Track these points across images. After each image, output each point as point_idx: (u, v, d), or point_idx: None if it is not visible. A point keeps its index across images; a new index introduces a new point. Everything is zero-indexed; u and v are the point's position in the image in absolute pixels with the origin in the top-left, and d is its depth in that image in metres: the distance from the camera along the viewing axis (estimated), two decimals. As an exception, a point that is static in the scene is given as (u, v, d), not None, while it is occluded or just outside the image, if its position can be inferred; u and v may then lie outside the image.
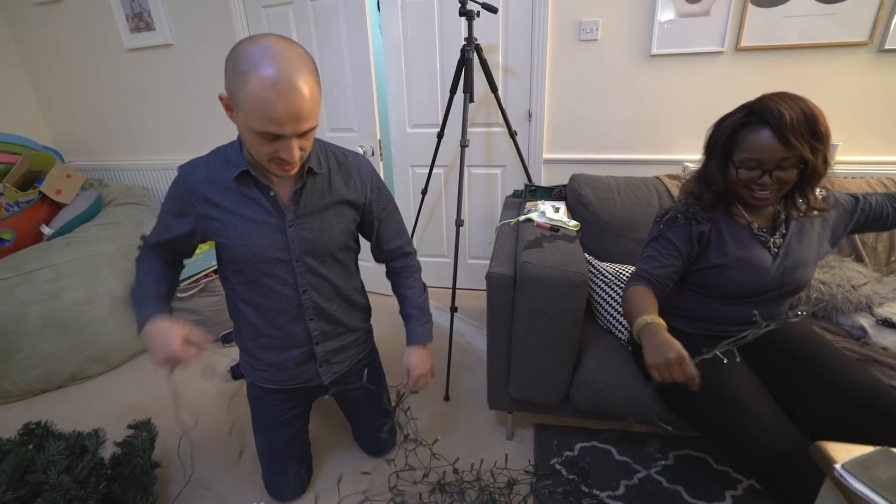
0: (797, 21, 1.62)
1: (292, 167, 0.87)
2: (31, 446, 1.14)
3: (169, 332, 0.89)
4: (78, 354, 1.76)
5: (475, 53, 1.64)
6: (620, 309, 1.30)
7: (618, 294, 1.33)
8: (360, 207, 1.07)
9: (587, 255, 1.47)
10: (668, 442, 1.34)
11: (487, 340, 1.28)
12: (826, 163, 0.93)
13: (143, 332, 0.91)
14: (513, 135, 1.85)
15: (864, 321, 1.21)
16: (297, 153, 0.83)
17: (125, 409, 1.63)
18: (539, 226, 1.41)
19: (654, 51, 1.77)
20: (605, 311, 1.35)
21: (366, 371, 1.22)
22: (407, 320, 1.19)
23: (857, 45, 1.61)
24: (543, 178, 2.08)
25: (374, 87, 1.84)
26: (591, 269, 1.43)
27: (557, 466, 1.29)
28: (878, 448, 0.68)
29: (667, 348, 0.87)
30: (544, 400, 1.27)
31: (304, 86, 0.77)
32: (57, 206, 2.03)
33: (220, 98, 0.81)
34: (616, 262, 1.48)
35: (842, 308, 1.25)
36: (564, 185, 1.72)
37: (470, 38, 1.62)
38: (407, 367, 1.15)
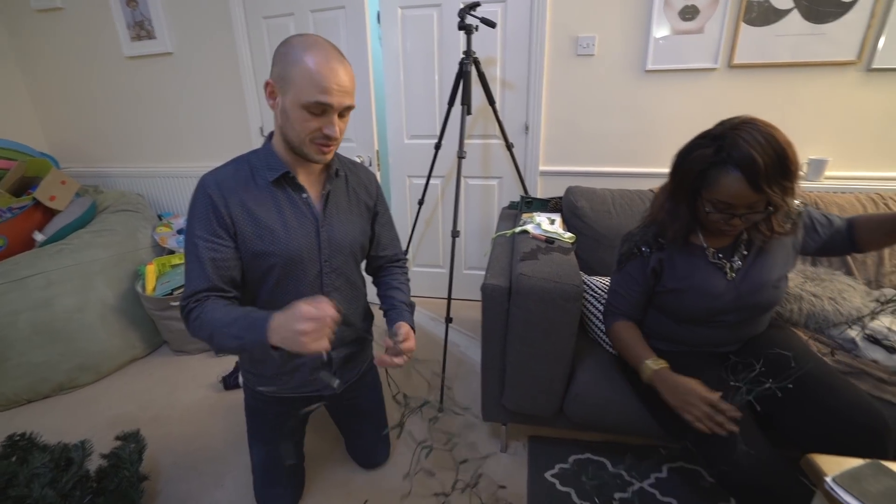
0: (788, 40, 1.66)
1: (332, 147, 0.94)
2: (13, 459, 1.12)
3: (290, 311, 0.78)
4: (67, 363, 1.73)
5: (473, 66, 1.66)
6: None
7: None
8: (371, 211, 1.14)
9: (580, 269, 1.47)
10: (661, 454, 1.33)
11: (482, 351, 1.27)
12: (793, 193, 0.90)
13: (271, 331, 0.79)
14: (510, 147, 1.87)
15: (855, 334, 1.21)
16: (338, 129, 0.90)
17: (113, 420, 1.60)
18: (535, 237, 1.41)
19: (649, 66, 1.80)
20: (595, 324, 1.35)
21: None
22: (395, 310, 1.11)
23: (846, 64, 1.65)
24: (539, 190, 2.09)
25: (373, 98, 1.86)
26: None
27: (551, 479, 1.27)
28: (867, 461, 0.68)
29: (684, 392, 0.91)
30: (538, 412, 1.26)
31: (348, 66, 0.90)
32: (50, 213, 2.02)
33: (266, 84, 0.89)
34: (608, 276, 1.48)
35: (833, 320, 1.26)
36: (560, 197, 1.73)
37: (468, 52, 1.64)
38: (401, 329, 1.00)
